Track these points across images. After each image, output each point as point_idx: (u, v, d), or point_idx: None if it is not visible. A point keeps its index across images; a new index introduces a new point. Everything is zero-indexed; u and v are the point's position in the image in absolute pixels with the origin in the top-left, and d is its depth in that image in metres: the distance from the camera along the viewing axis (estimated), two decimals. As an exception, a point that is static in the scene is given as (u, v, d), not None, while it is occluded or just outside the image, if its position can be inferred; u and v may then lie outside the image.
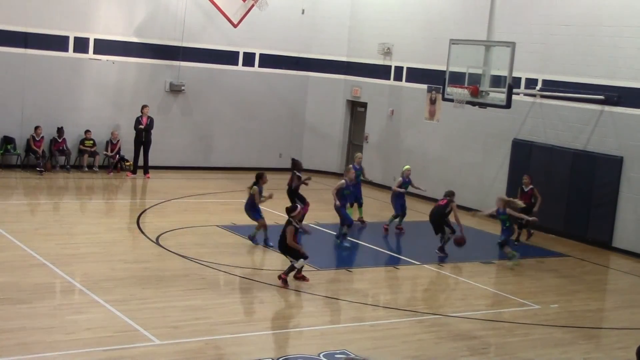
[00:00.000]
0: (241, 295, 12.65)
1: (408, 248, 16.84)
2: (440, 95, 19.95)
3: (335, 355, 9.95)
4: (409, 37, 23.31)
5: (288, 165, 25.19)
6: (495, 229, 17.15)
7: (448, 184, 19.52)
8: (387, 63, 24.08)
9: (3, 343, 9.38)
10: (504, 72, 17.15)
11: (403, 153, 23.25)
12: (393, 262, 15.36)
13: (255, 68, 25.21)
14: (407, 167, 18.40)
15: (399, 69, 23.73)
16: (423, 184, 18.80)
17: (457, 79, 18.10)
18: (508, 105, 17.16)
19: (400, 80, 23.68)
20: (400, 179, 18.10)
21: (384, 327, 11.51)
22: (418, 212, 18.78)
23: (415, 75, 23.07)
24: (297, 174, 17.33)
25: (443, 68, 18.80)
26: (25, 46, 21.78)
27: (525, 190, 17.76)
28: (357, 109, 25.65)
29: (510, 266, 15.53)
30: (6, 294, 11.13)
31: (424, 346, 10.76)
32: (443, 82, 18.66)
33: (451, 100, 18.29)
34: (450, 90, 18.23)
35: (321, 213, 18.02)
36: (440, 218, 16.02)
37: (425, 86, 22.20)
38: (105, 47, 22.81)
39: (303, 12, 25.27)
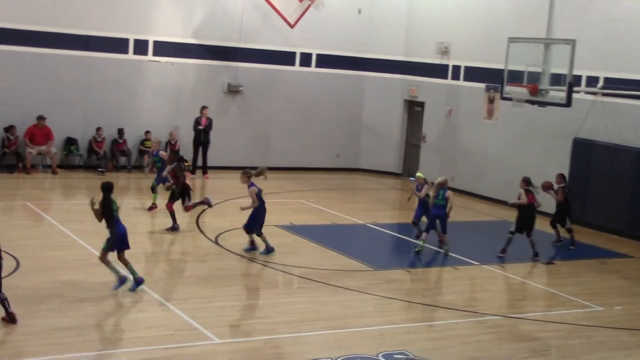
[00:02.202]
0: (299, 295, 12.68)
1: (467, 248, 16.68)
2: (498, 94, 19.71)
3: (394, 356, 9.92)
4: (466, 36, 23.11)
5: (345, 165, 25.40)
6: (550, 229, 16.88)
7: (507, 184, 19.31)
8: (444, 62, 23.90)
9: (69, 340, 9.56)
10: (564, 70, 16.87)
11: (461, 153, 23.07)
12: (452, 262, 15.24)
13: (312, 68, 25.26)
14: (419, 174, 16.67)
15: (456, 68, 23.54)
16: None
17: (515, 77, 17.88)
18: (568, 103, 16.88)
19: (458, 79, 23.49)
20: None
21: (443, 328, 11.44)
22: (477, 213, 18.59)
23: (473, 74, 22.86)
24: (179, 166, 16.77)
25: (501, 67, 18.59)
26: (87, 49, 22.18)
27: (556, 189, 17.26)
28: (414, 109, 25.52)
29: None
30: (72, 292, 11.35)
31: (484, 347, 10.66)
32: (501, 80, 18.46)
33: (510, 99, 18.09)
34: (508, 89, 18.03)
35: (379, 213, 17.95)
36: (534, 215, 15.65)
37: (483, 85, 21.97)
38: (164, 49, 23.10)
39: (360, 12, 25.25)
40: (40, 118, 21.49)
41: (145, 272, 12.72)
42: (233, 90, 24.12)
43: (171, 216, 15.62)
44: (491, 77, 21.35)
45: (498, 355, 10.40)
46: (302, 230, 16.09)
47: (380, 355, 9.88)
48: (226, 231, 15.93)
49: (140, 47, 22.84)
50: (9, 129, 21.31)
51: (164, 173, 16.92)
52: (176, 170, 15.97)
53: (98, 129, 22.22)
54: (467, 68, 23.19)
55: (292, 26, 23.14)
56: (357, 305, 12.31)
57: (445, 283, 14.29)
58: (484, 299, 13.33)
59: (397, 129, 25.74)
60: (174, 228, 15.60)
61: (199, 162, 22.96)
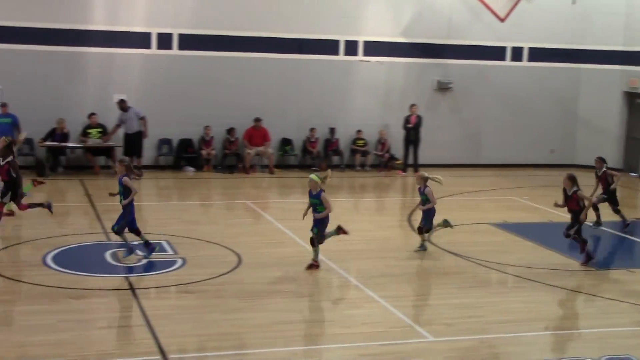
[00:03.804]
0: (514, 294, 12.36)
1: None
2: None
3: (619, 361, 9.44)
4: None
5: (560, 161, 24.51)
6: None
7: None
8: (668, 50, 22.52)
9: (286, 334, 9.87)
10: None
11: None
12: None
13: (524, 62, 24.62)
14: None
15: (682, 56, 22.11)
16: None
17: None
18: None
19: (685, 68, 22.05)
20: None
21: (673, 333, 10.74)
22: None
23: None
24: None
25: None
26: (300, 52, 22.87)
27: (599, 174, 16.15)
28: (635, 101, 24.19)
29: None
30: (288, 287, 11.72)
31: None
32: None
33: None
34: None
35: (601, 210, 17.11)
36: None
37: None
38: (373, 48, 23.38)
39: (574, 2, 24.26)
40: (257, 120, 22.42)
41: (360, 269, 12.92)
42: (443, 87, 23.99)
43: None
44: None
45: None
46: (516, 228, 15.71)
47: (603, 359, 9.43)
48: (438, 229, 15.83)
49: (351, 47, 23.26)
50: (230, 131, 22.42)
51: None
52: (11, 166, 14.28)
53: (311, 129, 22.87)
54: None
55: (502, 20, 22.69)
56: (577, 306, 11.84)
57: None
58: None
59: (617, 123, 24.52)
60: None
61: (410, 160, 23.02)
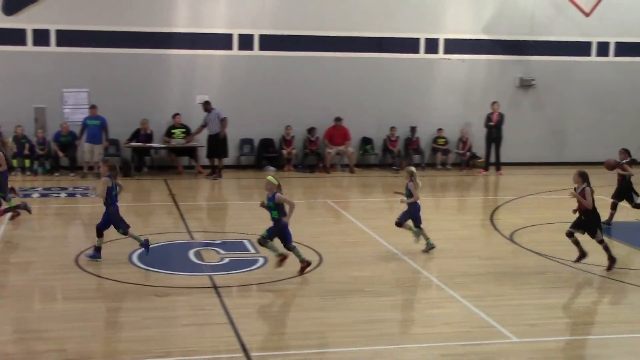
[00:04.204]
0: (601, 295, 12.07)
1: None
2: None
3: None
4: None
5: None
6: None
7: None
8: None
9: (367, 333, 9.85)
10: None
11: None
12: None
13: (610, 57, 24.04)
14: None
15: None
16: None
17: None
18: None
19: None
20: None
21: None
22: None
23: None
24: None
25: None
26: (380, 51, 22.82)
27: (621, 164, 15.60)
28: None
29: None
30: (370, 286, 11.70)
31: None
32: None
33: None
34: None
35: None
36: None
37: None
38: (454, 46, 23.19)
39: (662, -6, 23.59)
40: (338, 119, 22.46)
41: (441, 269, 12.81)
42: (525, 84, 23.62)
43: None
44: None
45: None
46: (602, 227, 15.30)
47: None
48: (521, 228, 15.59)
49: (431, 45, 23.11)
50: (310, 130, 22.52)
51: None
52: None
53: (392, 128, 22.80)
54: None
55: (587, 14, 22.18)
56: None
57: None
58: None
59: None
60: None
61: (492, 159, 22.73)
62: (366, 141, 23.21)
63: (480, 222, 16.79)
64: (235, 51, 22.33)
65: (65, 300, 11.05)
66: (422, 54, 23.21)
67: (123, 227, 12.58)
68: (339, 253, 13.49)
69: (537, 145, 23.79)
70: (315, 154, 22.71)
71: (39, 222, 16.06)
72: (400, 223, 13.73)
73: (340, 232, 15.52)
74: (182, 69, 22.14)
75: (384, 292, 11.53)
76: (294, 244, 11.99)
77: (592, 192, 12.55)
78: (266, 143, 22.75)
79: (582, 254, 12.74)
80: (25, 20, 21.13)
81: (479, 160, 23.12)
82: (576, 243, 12.72)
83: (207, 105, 21.33)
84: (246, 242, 13.96)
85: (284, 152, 22.54)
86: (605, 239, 12.86)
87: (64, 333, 9.49)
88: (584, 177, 12.65)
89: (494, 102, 22.69)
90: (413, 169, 14.02)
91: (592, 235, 12.67)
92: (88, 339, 9.34)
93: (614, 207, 15.94)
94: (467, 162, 23.23)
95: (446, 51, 23.28)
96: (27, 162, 21.14)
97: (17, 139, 21.07)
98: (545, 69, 23.65)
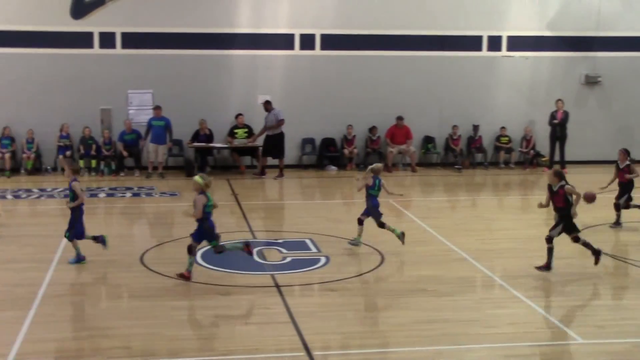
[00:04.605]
0: (671, 296, 11.79)
1: None
2: None
3: None
4: None
5: None
6: None
7: None
8: None
9: (429, 333, 9.78)
10: None
11: None
12: None
13: (680, 52, 23.47)
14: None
15: None
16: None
17: None
18: None
19: None
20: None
21: None
22: None
23: None
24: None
25: None
26: (442, 49, 22.65)
27: (621, 167, 15.21)
28: None
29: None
30: (431, 286, 11.62)
31: None
32: None
33: None
34: None
35: None
36: None
37: None
38: (518, 43, 22.92)
39: None
40: (399, 118, 22.38)
41: (504, 269, 12.66)
42: (591, 81, 23.21)
43: None
44: None
45: None
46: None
47: None
48: (587, 227, 15.30)
49: (494, 43, 22.87)
50: (372, 129, 22.49)
51: None
52: None
53: (454, 127, 22.62)
54: None
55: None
56: None
57: None
58: None
59: None
60: None
61: (556, 157, 22.38)
62: (428, 140, 23.08)
63: (544, 221, 16.48)
64: (297, 51, 22.42)
65: (130, 298, 11.22)
66: (484, 52, 22.98)
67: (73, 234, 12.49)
68: (400, 252, 13.42)
69: (603, 143, 23.32)
70: (376, 153, 22.66)
71: (105, 221, 16.37)
72: (360, 220, 13.52)
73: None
74: (245, 70, 22.31)
75: (446, 291, 11.43)
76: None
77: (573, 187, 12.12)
78: (328, 142, 22.78)
79: (595, 253, 12.33)
80: (92, 24, 21.56)
81: (543, 159, 22.79)
82: (549, 251, 12.28)
83: (267, 105, 21.44)
84: (308, 242, 14.00)
85: (346, 151, 22.54)
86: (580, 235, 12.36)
87: (129, 330, 9.64)
88: (559, 176, 12.14)
89: (559, 100, 22.34)
90: (377, 166, 13.73)
91: (569, 232, 12.24)
92: (152, 337, 9.47)
93: (617, 208, 15.62)
94: (530, 160, 22.92)
95: (509, 48, 23.00)
96: (93, 163, 21.56)
97: (85, 140, 21.51)
98: (612, 66, 23.18)
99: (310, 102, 22.44)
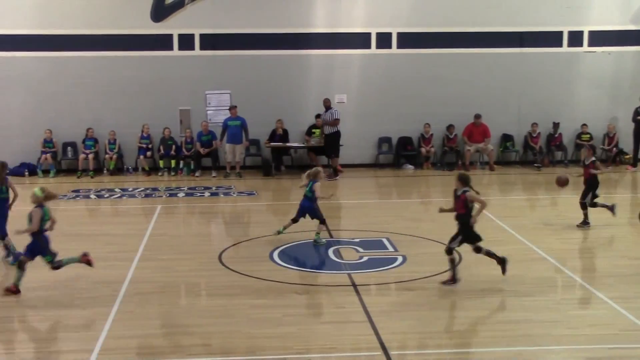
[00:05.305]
0: None
1: None
2: None
3: None
4: None
5: None
6: None
7: None
8: None
9: (508, 333, 9.65)
10: None
11: None
12: None
13: None
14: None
15: None
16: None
17: None
18: None
19: None
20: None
21: None
22: None
23: None
24: None
25: None
26: (521, 46, 22.32)
27: (586, 163, 14.74)
28: None
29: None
30: (511, 286, 11.45)
31: None
32: None
33: None
34: None
35: None
36: None
37: None
38: (600, 38, 22.43)
39: None
40: (477, 116, 22.14)
41: (586, 269, 12.40)
42: (677, 76, 22.54)
43: None
44: None
45: None
46: None
47: None
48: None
49: (575, 38, 22.43)
50: (449, 128, 22.31)
51: None
52: None
53: (533, 124, 22.27)
54: None
55: None
56: None
57: None
58: None
59: None
60: None
61: (641, 155, 21.85)
62: (506, 138, 22.76)
63: (628, 220, 16.12)
64: (373, 50, 22.40)
65: (209, 297, 11.39)
66: (565, 48, 22.55)
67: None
68: (477, 252, 13.25)
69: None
70: (454, 151, 22.46)
71: (184, 220, 16.65)
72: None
73: (480, 230, 15.12)
74: (321, 69, 22.39)
75: (525, 291, 11.26)
76: None
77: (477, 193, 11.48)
78: (404, 141, 22.69)
79: (500, 262, 11.61)
80: (171, 26, 21.96)
81: (626, 157, 22.25)
82: (452, 261, 11.53)
83: (325, 103, 21.44)
84: (385, 241, 13.97)
85: (423, 150, 22.41)
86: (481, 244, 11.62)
87: (208, 328, 9.79)
88: (464, 181, 11.47)
89: (644, 95, 21.80)
90: (318, 170, 13.91)
91: (470, 242, 11.52)
92: (231, 335, 9.58)
93: (583, 207, 15.11)
94: (613, 158, 22.40)
95: (591, 44, 22.52)
96: (172, 163, 21.95)
97: (164, 141, 21.92)
98: (698, 60, 22.50)
99: (387, 101, 22.38)
